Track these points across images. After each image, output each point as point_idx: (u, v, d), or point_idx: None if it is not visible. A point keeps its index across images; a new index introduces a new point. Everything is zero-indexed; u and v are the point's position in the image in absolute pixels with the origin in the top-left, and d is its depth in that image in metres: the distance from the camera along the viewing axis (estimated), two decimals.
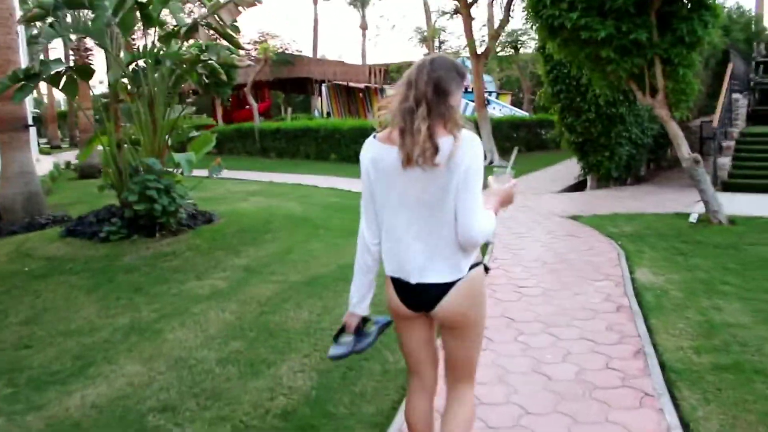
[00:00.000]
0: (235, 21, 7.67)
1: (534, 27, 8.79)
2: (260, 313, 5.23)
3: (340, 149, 19.51)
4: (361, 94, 31.28)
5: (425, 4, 23.34)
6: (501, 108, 27.11)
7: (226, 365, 4.19)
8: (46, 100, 43.92)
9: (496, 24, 18.20)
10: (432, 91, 2.10)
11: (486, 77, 27.03)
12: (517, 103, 32.85)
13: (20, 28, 15.12)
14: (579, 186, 13.46)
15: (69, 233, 7.83)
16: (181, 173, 8.26)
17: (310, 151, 20.54)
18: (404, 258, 2.27)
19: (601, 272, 6.20)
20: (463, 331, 2.34)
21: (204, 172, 9.10)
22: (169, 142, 8.29)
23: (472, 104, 20.87)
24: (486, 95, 21.42)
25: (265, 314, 5.19)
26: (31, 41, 7.59)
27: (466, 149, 2.10)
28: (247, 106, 25.26)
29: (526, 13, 8.41)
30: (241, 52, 30.53)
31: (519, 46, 26.63)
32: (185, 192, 7.92)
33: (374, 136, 2.28)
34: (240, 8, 7.37)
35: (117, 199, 8.13)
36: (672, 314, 4.91)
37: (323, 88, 32.01)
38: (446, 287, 2.24)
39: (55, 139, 40.69)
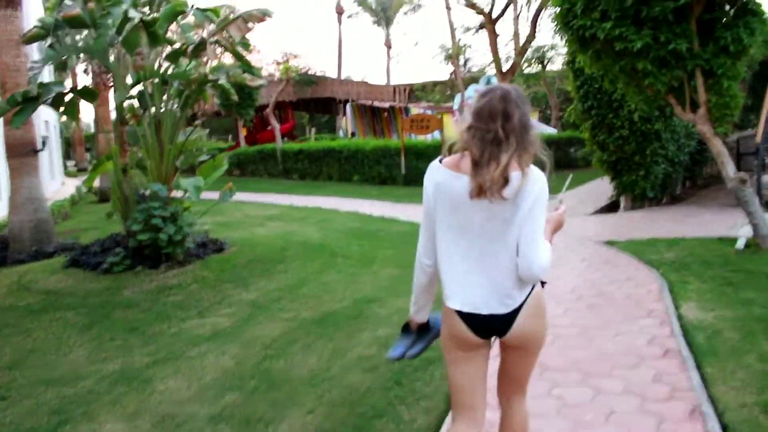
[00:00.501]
0: (245, 38, 7.27)
1: (563, 39, 8.25)
2: (263, 357, 4.72)
3: (364, 170, 19.08)
4: (385, 114, 30.90)
5: (450, 20, 22.88)
6: None
7: (218, 423, 3.68)
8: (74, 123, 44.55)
9: (523, 40, 17.67)
10: (520, 125, 2.12)
11: None
12: (544, 120, 32.15)
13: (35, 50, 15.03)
14: (612, 207, 12.78)
15: (72, 264, 7.46)
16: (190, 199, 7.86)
17: (332, 173, 20.14)
18: (466, 287, 2.27)
19: (644, 307, 5.57)
20: (530, 350, 2.39)
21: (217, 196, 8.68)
22: (179, 167, 7.90)
23: None
24: None
25: (269, 359, 4.68)
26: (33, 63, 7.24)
27: (533, 184, 2.14)
28: (269, 127, 25.01)
29: (554, 24, 7.87)
30: (263, 72, 30.43)
31: (546, 62, 26.00)
32: (193, 220, 7.49)
33: (440, 161, 2.28)
34: (249, 24, 6.96)
35: (124, 227, 7.74)
36: (729, 360, 4.27)
37: (348, 107, 31.74)
38: (516, 311, 2.25)
39: (82, 161, 41.13)
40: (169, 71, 7.60)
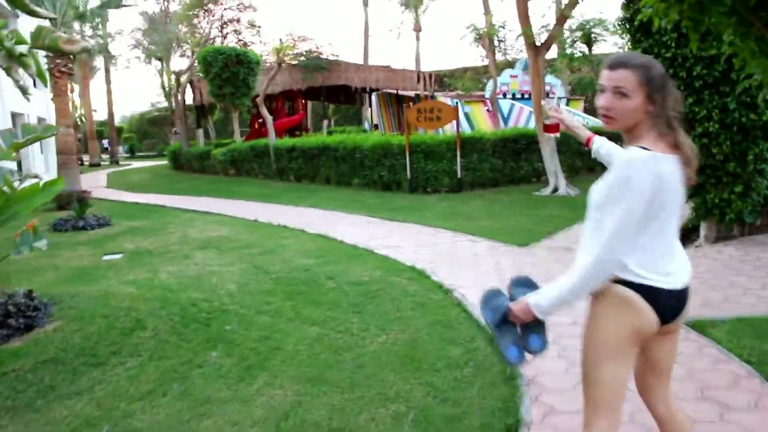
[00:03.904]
0: None
1: None
2: None
3: (364, 172, 15.53)
4: (411, 103, 27.29)
5: None
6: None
7: None
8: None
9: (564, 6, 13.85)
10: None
11: (554, 80, 22.59)
12: (591, 110, 28.06)
13: None
14: (686, 234, 9.00)
15: None
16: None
17: (330, 174, 16.66)
18: (678, 266, 2.18)
19: None
20: (679, 330, 2.31)
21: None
22: None
23: (531, 111, 16.54)
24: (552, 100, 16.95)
25: None
26: None
27: None
28: (260, 120, 21.60)
29: None
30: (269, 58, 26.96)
31: (594, 39, 21.95)
32: None
33: (646, 148, 2.05)
34: None
35: None
36: None
37: (373, 97, 28.27)
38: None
39: (95, 156, 38.90)
40: None
